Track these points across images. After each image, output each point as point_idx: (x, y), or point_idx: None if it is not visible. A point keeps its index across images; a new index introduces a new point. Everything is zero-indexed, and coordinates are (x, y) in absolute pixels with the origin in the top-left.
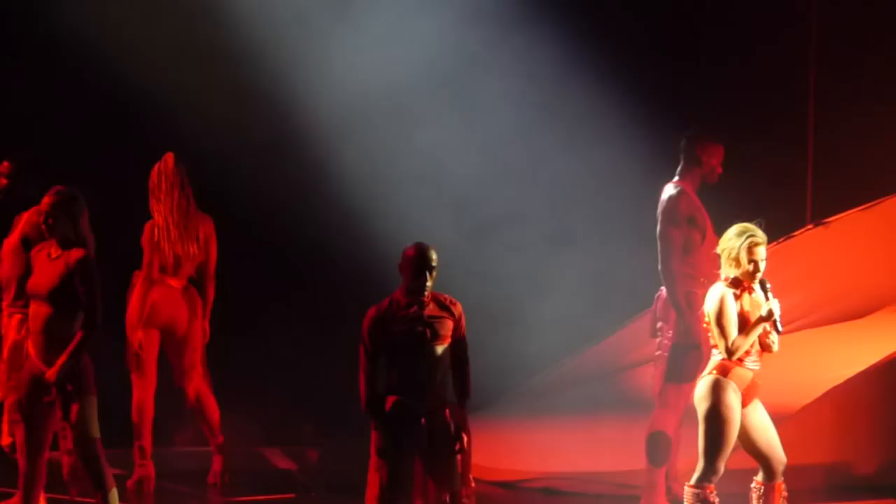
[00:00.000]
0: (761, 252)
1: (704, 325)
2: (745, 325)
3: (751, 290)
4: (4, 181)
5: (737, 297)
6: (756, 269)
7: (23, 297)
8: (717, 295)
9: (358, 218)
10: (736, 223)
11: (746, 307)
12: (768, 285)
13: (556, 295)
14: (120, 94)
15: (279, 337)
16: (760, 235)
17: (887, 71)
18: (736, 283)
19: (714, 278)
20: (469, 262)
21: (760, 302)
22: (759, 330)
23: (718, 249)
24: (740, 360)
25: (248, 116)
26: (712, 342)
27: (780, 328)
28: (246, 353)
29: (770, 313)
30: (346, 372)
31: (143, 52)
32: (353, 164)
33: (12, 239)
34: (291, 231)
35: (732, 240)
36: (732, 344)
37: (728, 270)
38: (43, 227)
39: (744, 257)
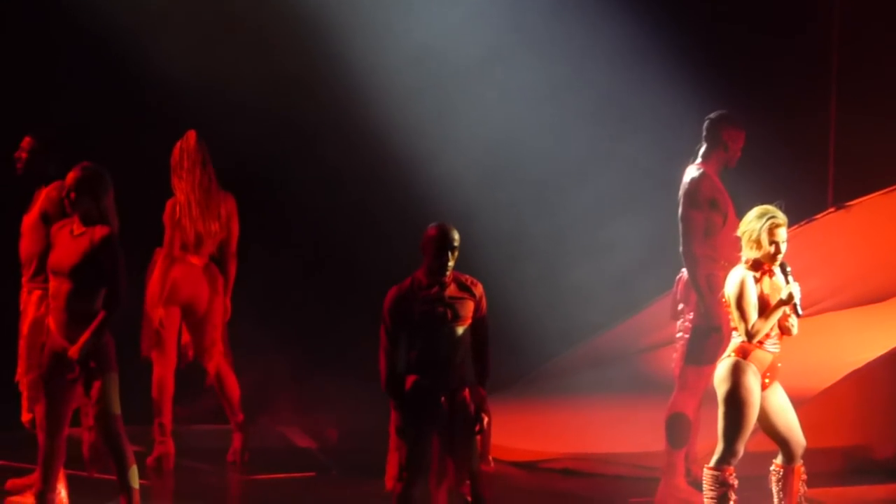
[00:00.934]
0: (782, 234)
1: (726, 307)
2: (765, 308)
3: (771, 273)
4: (25, 156)
5: (757, 280)
6: (777, 251)
7: (42, 273)
8: (737, 278)
9: (383, 195)
10: (756, 206)
11: (766, 290)
12: (788, 268)
13: (579, 272)
14: (144, 70)
15: (300, 316)
16: (781, 217)
17: None
18: (756, 266)
19: (735, 261)
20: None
21: (780, 285)
22: (779, 313)
23: (739, 232)
24: (760, 342)
25: (273, 94)
26: (732, 325)
27: (799, 311)
28: (267, 330)
29: (790, 296)
30: (368, 352)
31: (168, 28)
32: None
33: (32, 215)
34: (316, 209)
35: (753, 222)
36: (752, 327)
37: (749, 253)
38: (65, 201)
39: (765, 239)
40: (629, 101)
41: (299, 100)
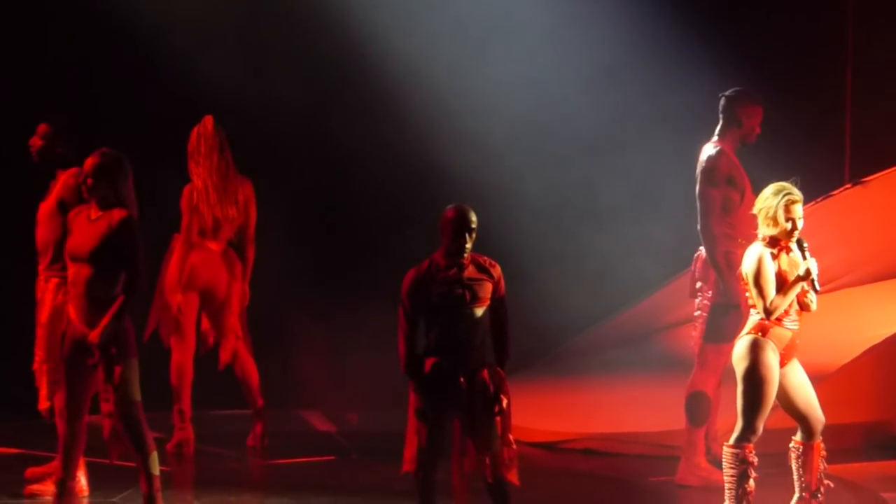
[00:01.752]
0: (798, 210)
1: (744, 285)
2: (782, 285)
3: (788, 250)
4: (41, 143)
5: (774, 257)
6: (794, 228)
7: (60, 260)
8: (754, 255)
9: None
10: (772, 182)
11: (784, 267)
12: (805, 244)
13: (597, 255)
14: (161, 55)
15: (319, 300)
16: (797, 193)
17: None
18: (773, 243)
19: (752, 238)
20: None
21: (798, 262)
22: (797, 289)
23: (755, 209)
24: (779, 319)
25: (293, 78)
26: (750, 302)
27: (817, 287)
28: (286, 317)
29: (808, 272)
30: (387, 335)
31: (186, 13)
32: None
33: (49, 202)
34: (333, 194)
35: (769, 199)
36: (771, 303)
37: (765, 230)
38: (82, 186)
39: (781, 216)
40: (647, 80)
41: (316, 81)
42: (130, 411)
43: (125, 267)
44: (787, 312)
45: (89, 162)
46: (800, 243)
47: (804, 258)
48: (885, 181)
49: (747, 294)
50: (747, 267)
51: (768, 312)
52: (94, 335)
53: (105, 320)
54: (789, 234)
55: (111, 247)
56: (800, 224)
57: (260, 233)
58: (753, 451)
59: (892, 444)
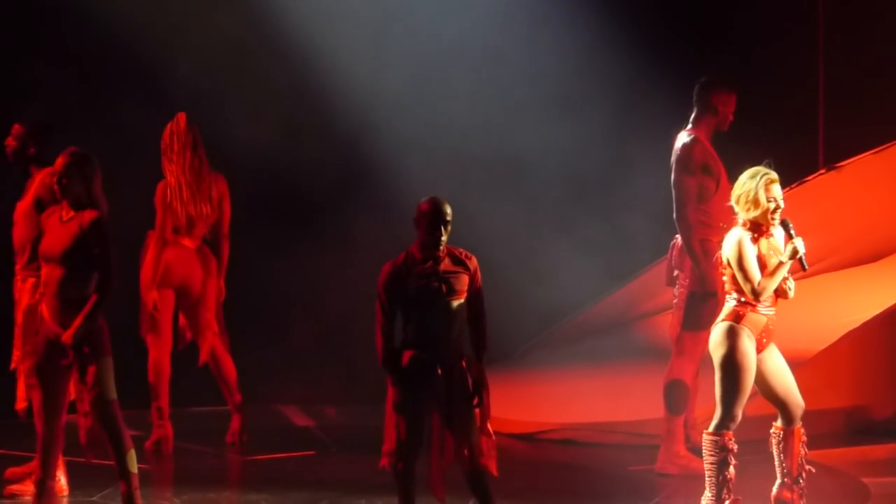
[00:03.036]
0: (778, 190)
1: (722, 271)
2: (762, 269)
3: (769, 235)
4: (15, 144)
5: (754, 241)
6: (777, 207)
7: (37, 260)
8: (734, 239)
9: (376, 171)
10: (746, 169)
11: (764, 250)
12: (790, 224)
13: (572, 247)
14: (132, 53)
15: (295, 294)
16: (774, 174)
17: None
18: (754, 227)
19: (731, 224)
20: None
21: (779, 245)
22: (785, 269)
23: (733, 196)
24: (753, 305)
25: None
26: (727, 288)
27: (805, 266)
28: (263, 310)
29: (794, 251)
30: (364, 328)
31: (157, 11)
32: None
33: (26, 202)
34: (307, 188)
35: (747, 182)
36: (759, 285)
37: (746, 214)
38: (56, 187)
39: (762, 196)
40: (615, 70)
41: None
42: (107, 410)
43: (97, 267)
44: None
45: (61, 161)
46: (785, 224)
47: (790, 238)
48: (859, 166)
49: (724, 279)
50: (728, 251)
51: (757, 294)
52: (66, 336)
53: (78, 321)
54: (772, 214)
55: (82, 247)
56: (782, 204)
57: (234, 228)
58: (733, 439)
59: (872, 428)
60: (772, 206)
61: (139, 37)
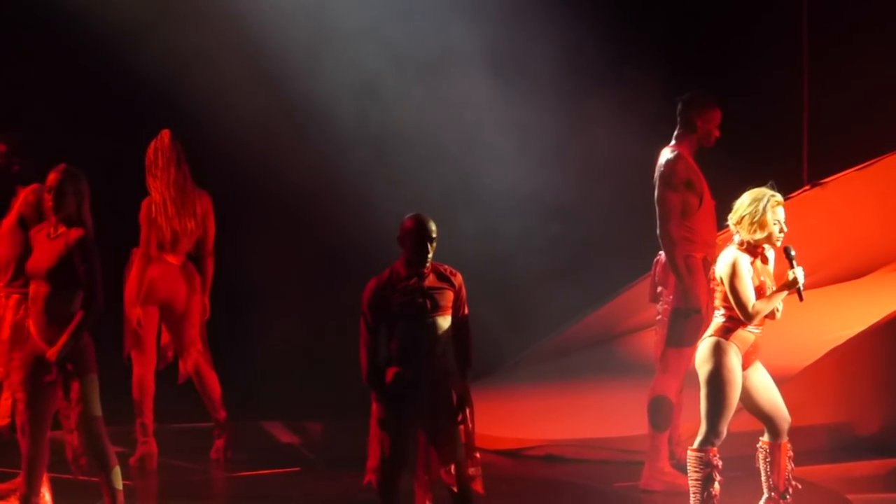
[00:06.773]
0: (782, 212)
1: (714, 287)
2: (756, 292)
3: (765, 259)
4: None
5: (750, 263)
6: (781, 230)
7: (21, 277)
8: (729, 259)
9: (360, 187)
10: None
11: (758, 272)
12: (793, 252)
13: (555, 261)
14: (115, 69)
15: (281, 312)
16: (780, 196)
17: (882, 29)
18: (750, 249)
19: (712, 241)
20: (467, 231)
21: (770, 270)
22: (781, 296)
23: (734, 217)
24: (743, 323)
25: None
26: (716, 304)
27: (802, 297)
28: (247, 329)
29: (794, 280)
30: (348, 345)
31: (141, 26)
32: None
33: (9, 219)
34: (292, 205)
35: (752, 204)
36: (753, 308)
37: (750, 236)
38: (48, 203)
39: (770, 219)
40: (597, 84)
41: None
42: (91, 427)
43: (83, 285)
44: None
45: (52, 177)
46: (787, 251)
47: (791, 266)
48: (844, 182)
49: (717, 295)
50: (722, 270)
51: (750, 316)
52: (51, 353)
53: (63, 338)
54: (776, 237)
55: (69, 266)
56: (785, 227)
57: (218, 245)
58: (718, 455)
59: (856, 445)
60: (776, 228)
61: (123, 50)
